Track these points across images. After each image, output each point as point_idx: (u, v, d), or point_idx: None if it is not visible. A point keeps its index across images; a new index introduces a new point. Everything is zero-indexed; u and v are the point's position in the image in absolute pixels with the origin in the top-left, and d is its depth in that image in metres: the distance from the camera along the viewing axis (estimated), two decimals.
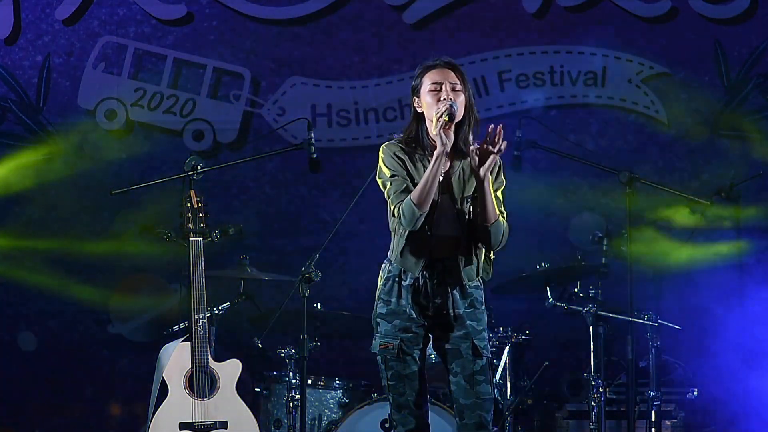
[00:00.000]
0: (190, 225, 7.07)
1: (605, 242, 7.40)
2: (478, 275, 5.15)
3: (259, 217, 8.01)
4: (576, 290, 7.33)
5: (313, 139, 7.84)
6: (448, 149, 5.03)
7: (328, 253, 5.40)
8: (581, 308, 7.19)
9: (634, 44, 8.37)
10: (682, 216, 7.52)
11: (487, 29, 8.37)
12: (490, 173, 5.07)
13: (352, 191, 5.31)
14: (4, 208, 8.53)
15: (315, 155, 7.75)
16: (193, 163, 7.31)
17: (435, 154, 5.02)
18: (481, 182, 5.02)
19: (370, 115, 8.59)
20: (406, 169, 5.09)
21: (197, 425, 6.75)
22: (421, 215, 5.02)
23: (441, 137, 5.01)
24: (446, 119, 5.01)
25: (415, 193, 5.02)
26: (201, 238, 7.00)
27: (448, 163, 5.12)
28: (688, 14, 8.32)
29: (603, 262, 7.37)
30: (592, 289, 7.26)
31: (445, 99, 5.07)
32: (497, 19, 8.37)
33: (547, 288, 7.29)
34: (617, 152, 8.25)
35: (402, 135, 5.20)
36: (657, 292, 7.49)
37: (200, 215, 7.11)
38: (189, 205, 7.01)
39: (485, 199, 5.05)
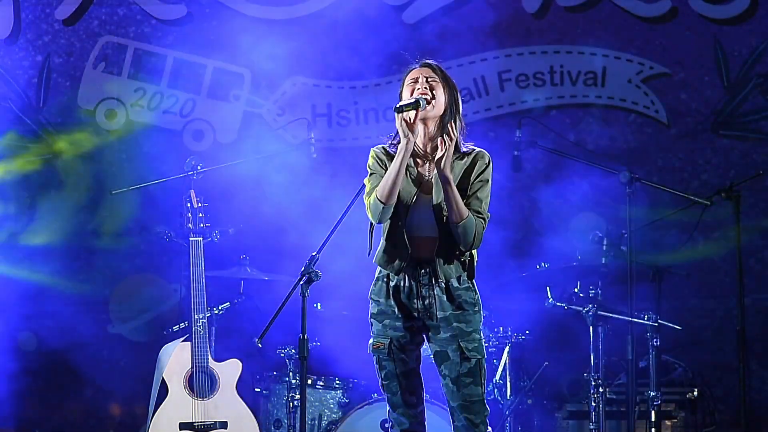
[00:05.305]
0: (190, 225, 7.08)
1: (605, 242, 7.40)
2: (462, 276, 5.08)
3: (260, 217, 8.00)
4: (576, 290, 7.33)
5: (313, 139, 7.86)
6: (412, 143, 4.97)
7: (328, 252, 5.38)
8: (581, 308, 7.19)
9: (634, 44, 8.37)
10: (682, 216, 7.50)
11: (487, 29, 8.36)
12: (473, 175, 5.04)
13: (352, 191, 5.30)
14: (3, 208, 8.53)
15: (315, 155, 7.77)
16: (193, 163, 7.32)
17: (398, 148, 4.98)
18: (445, 179, 4.95)
19: (370, 115, 8.59)
20: (385, 170, 5.06)
21: (197, 425, 6.76)
22: (384, 208, 4.99)
23: (403, 130, 4.96)
24: (409, 108, 4.93)
25: (380, 186, 5.01)
26: (201, 238, 7.01)
27: (428, 164, 5.08)
28: (688, 14, 8.31)
29: (603, 262, 7.37)
30: (592, 289, 7.26)
31: (418, 90, 5.03)
32: (497, 19, 8.37)
33: (547, 288, 7.28)
34: (617, 152, 8.25)
35: (393, 138, 5.17)
36: (657, 292, 7.47)
37: (200, 215, 7.12)
38: (189, 205, 7.02)
39: (446, 196, 4.97)
